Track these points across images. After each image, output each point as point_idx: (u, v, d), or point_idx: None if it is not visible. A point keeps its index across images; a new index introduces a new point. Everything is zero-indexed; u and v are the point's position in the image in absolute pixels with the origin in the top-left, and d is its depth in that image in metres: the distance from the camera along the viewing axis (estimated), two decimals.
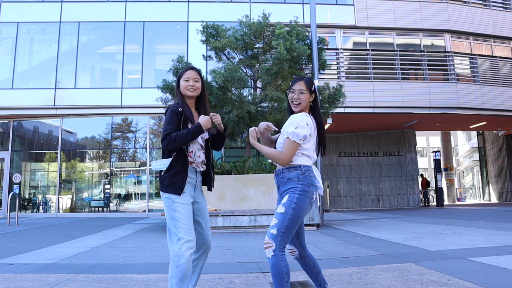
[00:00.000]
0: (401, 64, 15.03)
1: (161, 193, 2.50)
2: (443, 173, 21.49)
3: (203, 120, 2.48)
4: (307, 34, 9.96)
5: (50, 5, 14.81)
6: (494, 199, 22.98)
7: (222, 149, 13.60)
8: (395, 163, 18.24)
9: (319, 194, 2.43)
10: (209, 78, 9.78)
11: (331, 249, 5.23)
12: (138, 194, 14.97)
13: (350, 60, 15.65)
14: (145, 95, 13.74)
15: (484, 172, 24.66)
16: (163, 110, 2.65)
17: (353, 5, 15.15)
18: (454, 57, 15.36)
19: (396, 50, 15.15)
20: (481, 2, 16.47)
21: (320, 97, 9.69)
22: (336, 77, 14.40)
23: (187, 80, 2.56)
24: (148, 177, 14.52)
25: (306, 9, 14.48)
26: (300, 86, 2.44)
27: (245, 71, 10.21)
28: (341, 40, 15.22)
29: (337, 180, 17.91)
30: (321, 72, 10.69)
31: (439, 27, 15.47)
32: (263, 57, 10.38)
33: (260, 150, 2.42)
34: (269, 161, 8.97)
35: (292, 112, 2.49)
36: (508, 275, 3.35)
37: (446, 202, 20.66)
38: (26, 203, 14.95)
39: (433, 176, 20.14)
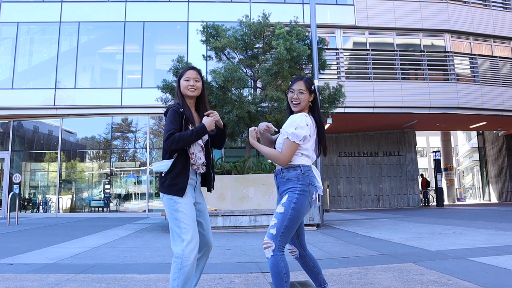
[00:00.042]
0: (401, 64, 15.03)
1: (161, 194, 2.46)
2: (443, 173, 21.49)
3: (207, 121, 2.46)
4: (307, 34, 9.96)
5: (50, 5, 14.81)
6: (494, 199, 22.98)
7: (222, 149, 13.57)
8: (395, 163, 18.24)
9: (318, 194, 2.43)
10: (209, 78, 9.78)
11: (331, 249, 5.23)
12: (138, 194, 14.97)
13: (350, 60, 15.65)
14: (145, 95, 13.74)
15: (484, 172, 24.66)
16: (163, 110, 2.63)
17: (353, 5, 15.15)
18: (454, 57, 15.36)
19: (396, 50, 15.15)
20: (481, 2, 16.47)
21: (320, 97, 9.70)
22: (336, 77, 14.40)
23: (187, 80, 2.54)
24: (148, 177, 14.52)
25: (306, 9, 14.48)
26: (299, 86, 2.44)
27: (245, 71, 10.21)
28: (341, 40, 15.22)
29: (337, 180, 17.91)
30: (321, 72, 10.69)
31: (439, 27, 15.47)
32: (263, 57, 10.38)
33: (260, 150, 2.42)
34: (269, 161, 8.97)
35: (292, 112, 2.48)
36: (508, 275, 3.35)
37: (446, 202, 20.66)
38: (26, 203, 14.95)
39: (433, 176, 20.14)
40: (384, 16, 15.20)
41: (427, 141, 42.09)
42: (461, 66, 15.76)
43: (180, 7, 14.89)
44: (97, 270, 4.05)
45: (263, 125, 2.47)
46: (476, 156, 26.16)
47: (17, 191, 12.45)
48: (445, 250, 4.74)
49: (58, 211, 14.26)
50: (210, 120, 2.47)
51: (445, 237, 6.01)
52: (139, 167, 15.22)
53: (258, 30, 9.88)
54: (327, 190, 14.27)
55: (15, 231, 8.47)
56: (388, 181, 18.11)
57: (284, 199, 2.31)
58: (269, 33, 10.02)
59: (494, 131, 21.86)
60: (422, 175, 20.67)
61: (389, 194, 18.04)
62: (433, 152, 20.80)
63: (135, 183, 15.05)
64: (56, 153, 14.67)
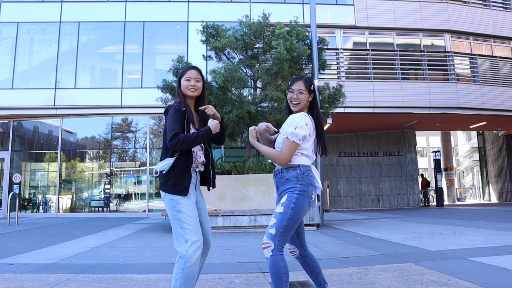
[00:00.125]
0: (401, 64, 15.03)
1: (163, 194, 2.42)
2: (443, 173, 21.49)
3: (212, 124, 2.45)
4: (307, 34, 9.96)
5: (50, 5, 14.81)
6: (494, 199, 22.98)
7: (222, 149, 13.55)
8: (395, 163, 18.24)
9: (317, 194, 2.43)
10: (209, 78, 9.78)
11: (331, 249, 5.23)
12: (138, 194, 14.97)
13: (350, 60, 15.65)
14: (145, 95, 13.74)
15: (484, 172, 24.66)
16: (163, 110, 2.61)
17: (353, 5, 15.15)
18: (454, 57, 15.36)
19: (396, 50, 15.15)
20: (481, 2, 16.47)
21: (320, 97, 9.70)
22: (336, 77, 14.40)
23: (188, 80, 2.52)
24: (148, 177, 14.52)
25: (306, 9, 14.48)
26: (299, 86, 2.43)
27: (245, 71, 10.22)
28: (341, 40, 15.22)
29: (337, 180, 17.91)
30: (321, 72, 10.69)
31: (439, 27, 15.47)
32: (263, 57, 10.38)
33: (260, 150, 2.42)
34: (269, 161, 8.97)
35: (291, 112, 2.48)
36: (508, 275, 3.35)
37: (446, 202, 20.66)
38: (26, 203, 14.95)
39: (433, 176, 20.14)
40: (384, 16, 15.20)
41: (427, 141, 42.09)
42: (461, 66, 15.76)
43: (180, 7, 14.89)
44: (97, 270, 4.05)
45: (262, 125, 2.47)
46: (476, 156, 26.16)
47: (17, 191, 12.45)
48: (445, 250, 4.74)
49: (58, 211, 14.26)
50: (215, 123, 2.46)
51: (445, 237, 6.01)
52: (139, 167, 15.22)
53: (258, 30, 9.88)
54: (327, 190, 14.27)
55: (15, 231, 8.47)
56: (388, 181, 18.11)
57: (284, 199, 2.30)
58: (269, 33, 10.02)
59: (494, 131, 21.86)
60: (422, 175, 20.68)
61: (389, 194, 18.04)
62: (433, 152, 20.80)
63: (135, 183, 15.05)
64: (56, 153, 14.68)
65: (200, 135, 2.38)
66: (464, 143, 30.82)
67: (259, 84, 10.36)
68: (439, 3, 15.70)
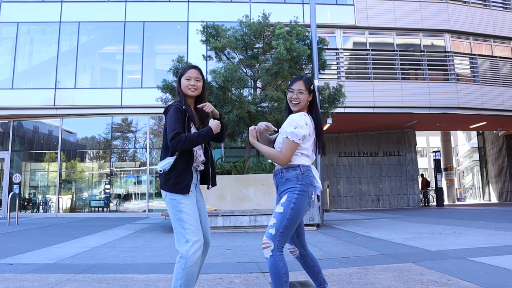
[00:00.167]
0: (401, 64, 15.03)
1: (164, 193, 2.40)
2: (443, 173, 21.49)
3: (213, 124, 2.45)
4: (307, 34, 9.96)
5: (50, 5, 14.81)
6: (494, 199, 22.98)
7: (222, 149, 13.54)
8: (395, 163, 18.24)
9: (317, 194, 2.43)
10: (209, 78, 9.79)
11: (331, 249, 5.23)
12: (138, 194, 14.97)
13: (350, 60, 15.65)
14: (145, 95, 13.74)
15: (484, 172, 24.66)
16: (163, 110, 2.60)
17: (353, 5, 15.15)
18: (454, 57, 15.36)
19: (396, 50, 15.15)
20: (481, 2, 16.47)
21: (320, 97, 9.70)
22: (336, 77, 14.40)
23: (188, 79, 2.51)
24: (148, 177, 14.52)
25: (306, 9, 14.48)
26: (299, 86, 2.43)
27: (245, 71, 10.22)
28: (341, 40, 15.22)
29: (337, 180, 17.91)
30: (321, 72, 10.69)
31: (439, 27, 15.47)
32: (263, 57, 10.39)
33: (260, 149, 2.42)
34: (269, 161, 8.98)
35: (290, 112, 2.48)
36: (508, 275, 3.35)
37: (446, 202, 20.66)
38: (26, 203, 14.95)
39: (433, 176, 20.14)
40: (384, 16, 15.20)
41: (427, 141, 42.09)
42: (461, 66, 15.76)
43: (180, 7, 14.89)
44: (97, 270, 4.05)
45: (262, 124, 2.47)
46: (476, 156, 26.16)
47: (17, 191, 12.45)
48: (445, 250, 4.74)
49: (58, 211, 14.26)
50: (216, 123, 2.46)
51: (445, 237, 6.01)
52: (139, 167, 15.21)
53: (258, 30, 9.88)
54: (327, 190, 14.27)
55: (15, 231, 8.47)
56: (388, 181, 18.11)
57: (284, 199, 2.30)
58: (269, 33, 10.02)
59: (494, 131, 21.86)
60: (422, 175, 20.67)
61: (389, 194, 18.04)
62: (433, 152, 20.80)
63: (135, 183, 15.05)
64: (56, 153, 14.68)
65: (201, 135, 2.37)
66: (464, 143, 30.83)
67: (259, 84, 10.36)
68: (439, 3, 15.70)
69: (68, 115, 14.63)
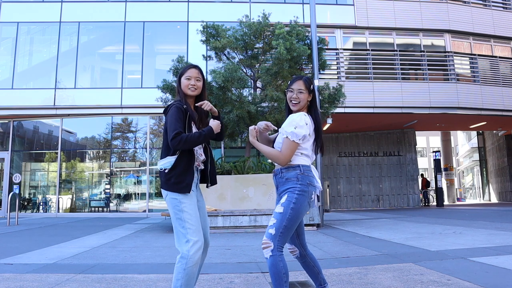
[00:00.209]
0: (401, 64, 15.03)
1: (165, 193, 2.40)
2: (443, 173, 21.49)
3: (214, 124, 2.45)
4: (307, 34, 9.96)
5: (50, 5, 14.81)
6: (494, 199, 22.98)
7: (222, 149, 13.53)
8: (395, 163, 18.24)
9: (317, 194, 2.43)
10: (209, 78, 9.79)
11: (331, 249, 5.23)
12: (138, 194, 14.97)
13: (350, 60, 15.65)
14: (145, 95, 13.74)
15: (484, 172, 24.66)
16: (163, 110, 2.59)
17: (353, 5, 15.15)
18: (454, 57, 15.36)
19: (396, 50, 15.15)
20: (481, 2, 16.47)
21: (320, 97, 9.69)
22: (336, 77, 14.40)
23: (188, 79, 2.51)
24: (148, 177, 14.52)
25: (306, 9, 14.48)
26: (299, 86, 2.43)
27: (245, 71, 10.22)
28: (341, 40, 15.22)
29: (337, 180, 17.91)
30: (321, 72, 10.69)
31: (439, 27, 15.47)
32: (263, 57, 10.38)
33: (260, 149, 2.42)
34: (269, 161, 8.97)
35: (290, 111, 2.48)
36: (508, 275, 3.35)
37: (446, 202, 20.66)
38: (26, 203, 14.96)
39: (433, 176, 20.14)
40: (384, 16, 15.20)
41: (427, 141, 42.09)
42: (461, 66, 15.76)
43: (180, 7, 14.90)
44: (97, 270, 4.05)
45: (262, 124, 2.47)
46: (476, 156, 26.16)
47: (17, 191, 12.45)
48: (445, 250, 4.74)
49: (58, 211, 14.26)
50: (217, 123, 2.46)
51: (445, 237, 6.01)
52: (139, 167, 15.21)
53: (258, 30, 9.88)
54: (327, 190, 14.27)
55: (15, 231, 8.47)
56: (388, 181, 18.11)
57: (283, 199, 2.30)
58: (269, 33, 10.02)
59: (494, 131, 21.85)
60: (422, 175, 20.67)
61: (389, 194, 18.04)
62: (433, 152, 20.80)
63: (135, 183, 15.05)
64: (56, 153, 14.68)
65: (202, 135, 2.37)
66: (464, 143, 30.83)
67: (259, 84, 10.36)
68: (439, 3, 15.70)
69: (68, 115, 14.63)
